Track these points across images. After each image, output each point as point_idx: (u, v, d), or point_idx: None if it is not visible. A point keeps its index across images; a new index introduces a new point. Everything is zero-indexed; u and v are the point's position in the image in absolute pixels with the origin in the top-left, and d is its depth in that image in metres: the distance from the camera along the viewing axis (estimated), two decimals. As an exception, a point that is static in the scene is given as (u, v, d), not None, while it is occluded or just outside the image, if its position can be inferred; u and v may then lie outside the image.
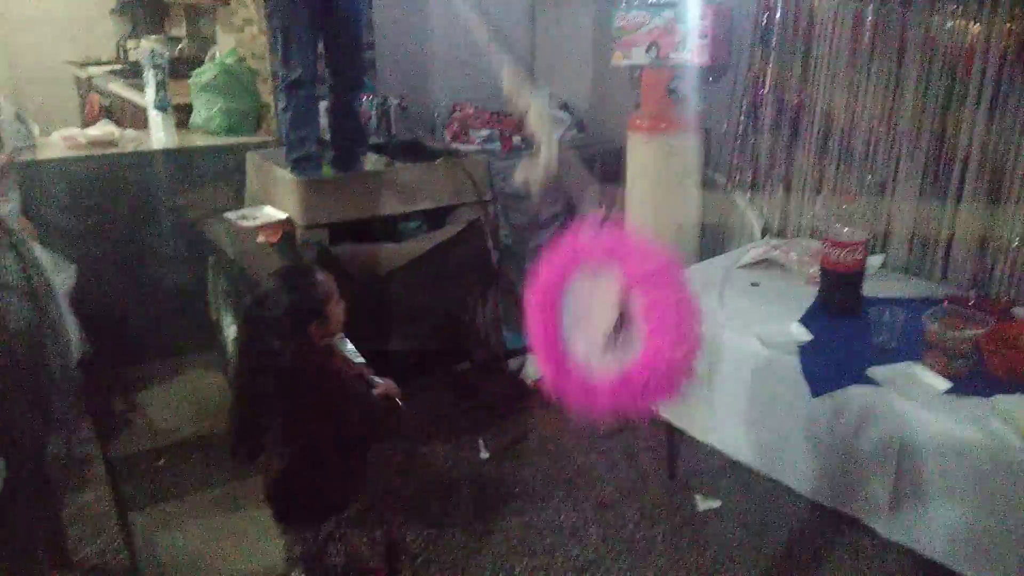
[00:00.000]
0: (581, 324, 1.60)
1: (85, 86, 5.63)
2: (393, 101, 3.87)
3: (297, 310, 1.81)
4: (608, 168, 3.77)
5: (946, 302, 2.28)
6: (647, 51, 3.17)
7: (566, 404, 1.63)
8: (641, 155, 3.27)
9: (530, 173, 2.04)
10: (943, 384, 1.94)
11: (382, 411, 1.94)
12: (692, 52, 3.05)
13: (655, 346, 1.49)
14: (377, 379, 2.00)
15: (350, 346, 2.17)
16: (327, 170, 3.26)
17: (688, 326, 1.50)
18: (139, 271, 3.47)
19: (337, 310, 1.89)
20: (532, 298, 1.66)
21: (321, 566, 1.90)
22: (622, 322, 1.54)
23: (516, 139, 3.69)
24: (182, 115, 3.91)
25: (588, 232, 1.61)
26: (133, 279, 3.46)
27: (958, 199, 2.55)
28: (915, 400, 1.90)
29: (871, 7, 2.65)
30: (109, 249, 3.40)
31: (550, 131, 1.91)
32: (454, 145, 3.74)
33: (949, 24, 2.47)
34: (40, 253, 2.66)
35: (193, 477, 2.87)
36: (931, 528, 1.87)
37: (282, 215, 3.04)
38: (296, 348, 1.79)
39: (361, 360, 2.12)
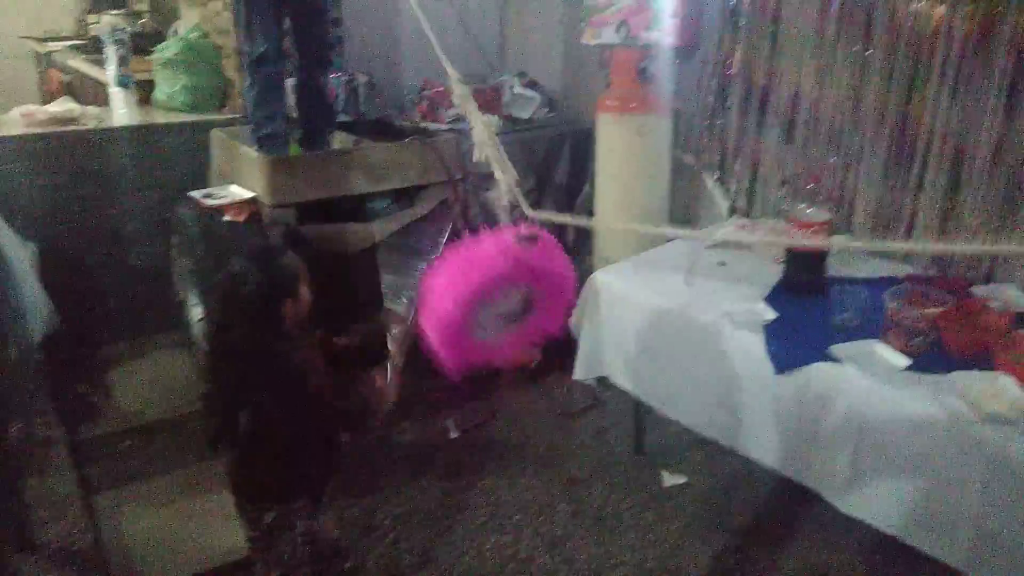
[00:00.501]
0: (493, 316, 1.81)
1: (44, 62, 5.49)
2: (362, 79, 3.83)
3: (269, 290, 1.78)
4: (578, 148, 3.78)
5: (906, 281, 2.33)
6: (617, 30, 3.17)
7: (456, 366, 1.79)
8: (611, 135, 3.27)
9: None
10: (903, 361, 1.99)
11: (353, 405, 1.95)
12: (662, 32, 3.06)
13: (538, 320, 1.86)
14: (384, 371, 2.00)
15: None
16: (294, 149, 3.22)
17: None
18: (103, 250, 3.40)
19: (307, 294, 1.86)
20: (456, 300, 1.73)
21: (284, 547, 1.89)
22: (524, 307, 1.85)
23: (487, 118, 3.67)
24: (145, 91, 3.83)
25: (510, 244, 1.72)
26: (97, 258, 3.40)
27: (921, 180, 2.60)
28: (875, 377, 1.95)
29: (838, -11, 2.67)
30: (72, 228, 3.33)
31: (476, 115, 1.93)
32: (424, 124, 3.71)
33: (914, 6, 2.49)
34: (3, 230, 2.62)
35: (158, 459, 2.84)
36: (887, 503, 1.92)
37: (248, 194, 3.00)
38: (268, 330, 1.77)
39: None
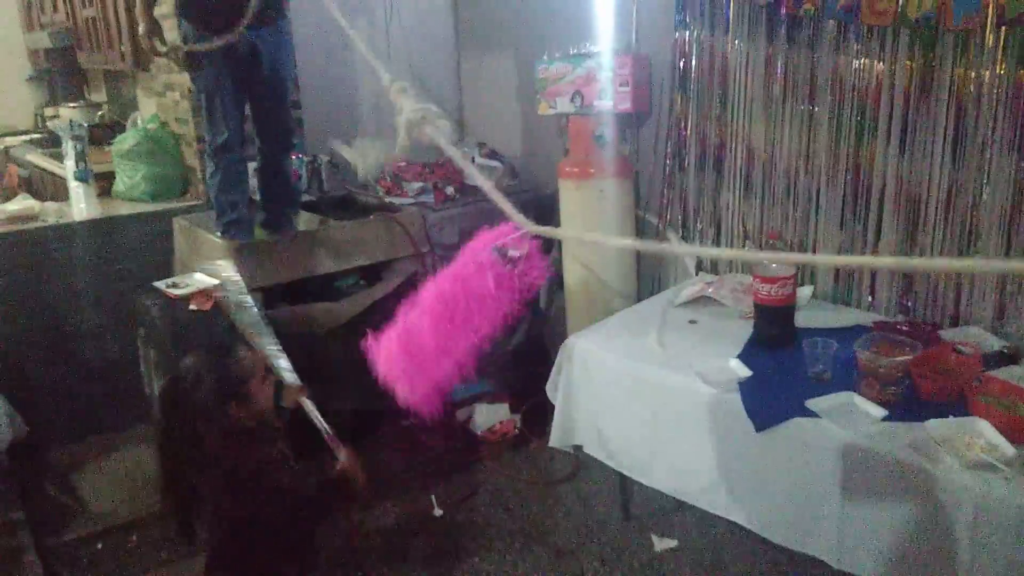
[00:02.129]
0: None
1: (2, 157, 5.46)
2: (323, 158, 3.86)
3: (214, 390, 1.75)
4: (542, 214, 3.81)
5: (875, 329, 2.36)
6: (571, 100, 3.25)
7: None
8: (573, 200, 3.32)
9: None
10: (879, 412, 2.00)
11: (320, 491, 1.88)
12: (615, 99, 3.13)
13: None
14: (340, 452, 1.95)
15: (311, 408, 2.11)
16: (259, 232, 3.21)
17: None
18: (68, 347, 3.35)
19: (263, 388, 1.83)
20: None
21: None
22: None
23: (449, 190, 3.71)
24: (106, 182, 3.82)
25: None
26: (62, 355, 3.34)
27: (878, 228, 2.66)
28: (854, 430, 1.95)
29: (780, 50, 2.77)
30: (34, 326, 3.28)
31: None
32: (388, 199, 3.74)
33: (855, 64, 2.59)
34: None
35: (133, 560, 2.74)
36: (878, 554, 1.91)
37: (213, 281, 2.98)
38: (214, 430, 1.74)
39: (323, 426, 2.06)
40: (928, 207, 2.52)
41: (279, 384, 2.05)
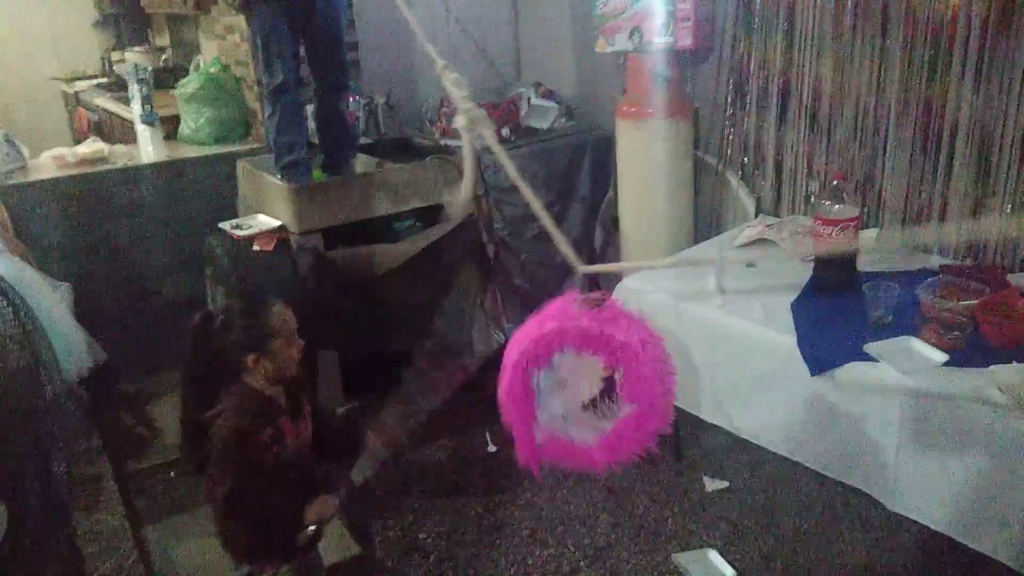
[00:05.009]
0: (561, 391, 1.57)
1: (73, 102, 5.62)
2: (380, 100, 3.86)
3: (241, 336, 1.76)
4: (598, 155, 3.78)
5: (941, 273, 2.30)
6: (630, 37, 3.17)
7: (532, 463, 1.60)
8: (631, 141, 3.27)
9: (456, 197, 2.01)
10: (940, 356, 1.96)
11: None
12: (675, 36, 3.04)
13: (636, 419, 1.53)
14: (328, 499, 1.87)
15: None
16: (317, 174, 3.26)
17: (666, 397, 1.53)
18: (138, 285, 3.48)
19: (288, 350, 1.81)
20: (510, 362, 1.56)
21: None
22: (604, 392, 1.55)
23: (505, 131, 3.68)
24: (172, 126, 3.91)
25: (572, 305, 1.55)
26: (133, 294, 3.47)
27: (949, 168, 2.56)
28: (913, 374, 1.92)
29: (851, -20, 2.65)
30: (107, 265, 3.41)
31: (472, 164, 1.84)
32: (444, 141, 3.73)
33: (930, -7, 2.46)
34: (33, 276, 2.69)
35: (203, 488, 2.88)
36: (934, 500, 1.89)
37: (276, 223, 3.05)
38: (225, 377, 1.77)
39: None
40: (1003, 147, 2.41)
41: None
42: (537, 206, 1.70)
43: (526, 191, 1.69)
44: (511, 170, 1.73)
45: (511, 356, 1.53)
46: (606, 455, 1.57)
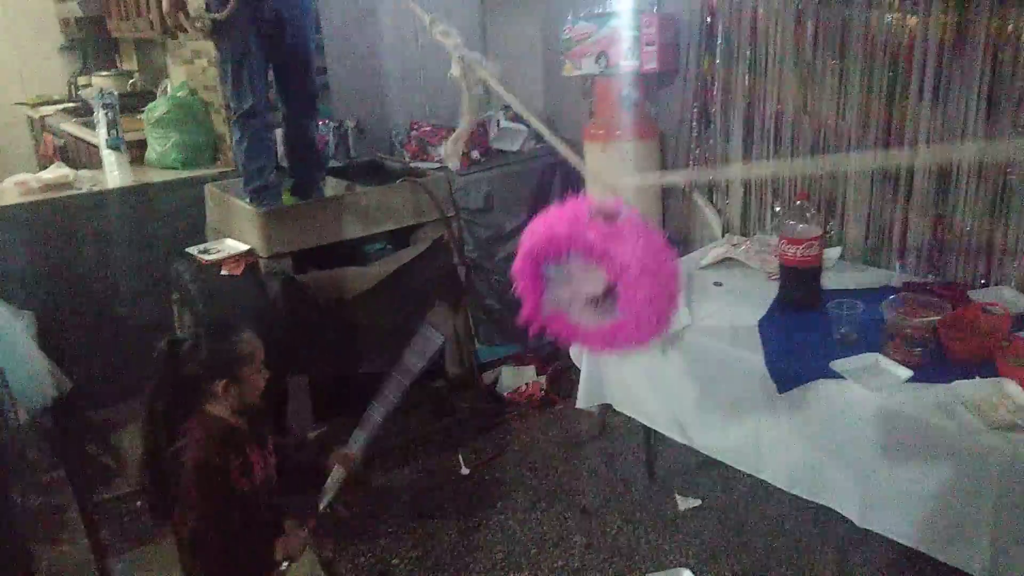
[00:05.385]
0: (568, 284, 1.66)
1: (38, 127, 5.55)
2: (349, 123, 3.87)
3: (208, 363, 1.74)
4: (567, 177, 3.80)
5: (903, 290, 2.34)
6: (596, 61, 3.21)
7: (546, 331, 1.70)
8: (598, 163, 3.30)
9: (448, 148, 2.00)
10: (905, 373, 1.98)
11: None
12: (641, 59, 3.09)
13: (628, 328, 1.59)
14: (301, 530, 1.87)
15: (336, 477, 1.97)
16: (287, 198, 3.25)
17: (660, 321, 1.59)
18: (105, 312, 3.42)
19: (256, 378, 1.79)
20: (525, 248, 1.65)
21: None
22: (608, 290, 1.60)
23: (475, 154, 3.70)
24: (138, 150, 3.87)
25: (585, 212, 1.59)
26: (99, 321, 3.42)
27: (909, 187, 2.61)
28: (879, 391, 1.94)
29: (811, 6, 2.70)
30: (72, 292, 3.36)
31: (470, 112, 1.83)
32: (414, 163, 3.75)
33: (888, 18, 2.52)
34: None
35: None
36: (902, 514, 1.91)
37: (244, 247, 3.03)
38: (191, 406, 1.73)
39: (324, 501, 1.96)
40: (961, 167, 2.46)
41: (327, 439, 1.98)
42: (537, 123, 1.72)
43: (532, 120, 1.72)
44: (516, 105, 1.72)
45: (525, 243, 1.63)
46: (601, 344, 1.67)
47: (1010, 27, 2.26)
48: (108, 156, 3.53)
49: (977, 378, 1.91)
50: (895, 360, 2.03)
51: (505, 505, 2.82)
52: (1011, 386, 1.85)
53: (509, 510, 2.80)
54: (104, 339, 3.40)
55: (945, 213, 2.52)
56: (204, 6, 2.91)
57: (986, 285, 2.46)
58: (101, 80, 5.23)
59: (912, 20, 2.46)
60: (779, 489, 2.25)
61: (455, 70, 1.75)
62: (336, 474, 1.97)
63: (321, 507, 1.95)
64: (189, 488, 1.71)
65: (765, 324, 2.35)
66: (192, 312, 3.09)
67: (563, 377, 3.52)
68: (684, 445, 2.48)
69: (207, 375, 1.74)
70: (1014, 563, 1.73)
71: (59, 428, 3.01)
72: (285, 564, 1.79)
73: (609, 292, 1.59)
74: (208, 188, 3.43)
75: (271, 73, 3.07)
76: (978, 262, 2.49)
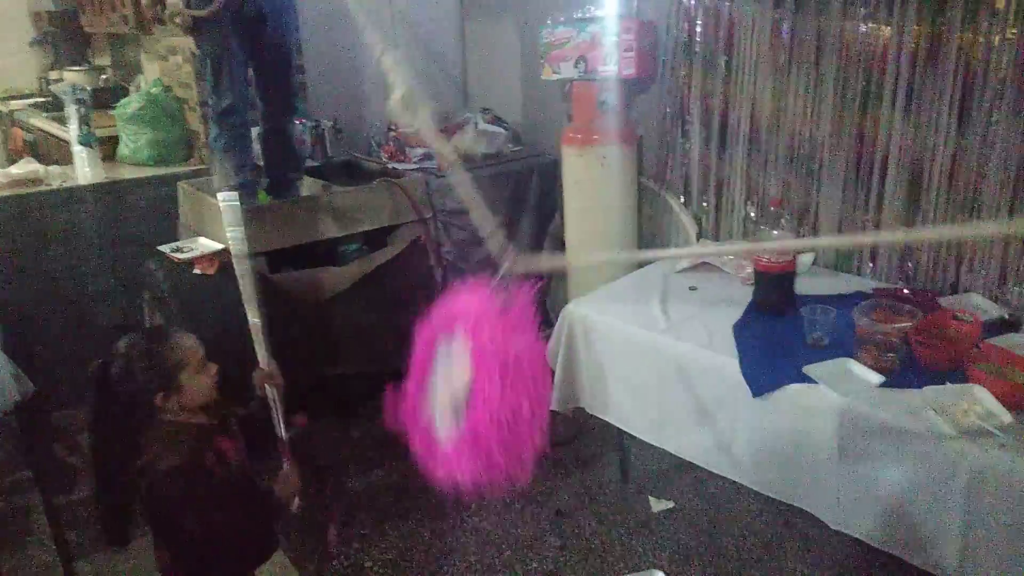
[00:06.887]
0: (438, 387, 1.52)
1: (8, 120, 5.45)
2: (327, 123, 3.85)
3: (142, 379, 1.67)
4: (545, 181, 3.81)
5: (875, 296, 2.37)
6: (575, 65, 3.22)
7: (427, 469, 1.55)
8: (576, 167, 3.31)
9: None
10: (876, 378, 2.01)
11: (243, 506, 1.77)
12: (619, 64, 3.10)
13: (501, 410, 1.41)
14: (285, 463, 1.90)
15: (275, 401, 1.96)
16: (263, 197, 3.22)
17: (537, 387, 1.43)
18: (74, 311, 3.37)
19: (199, 379, 1.73)
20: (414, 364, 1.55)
21: None
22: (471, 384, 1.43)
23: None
24: (110, 147, 3.82)
25: (463, 295, 1.52)
26: (69, 320, 3.36)
27: (881, 195, 2.65)
28: (851, 396, 1.97)
29: (787, 15, 2.74)
30: (40, 290, 3.30)
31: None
32: (391, 165, 3.73)
33: (862, 28, 2.56)
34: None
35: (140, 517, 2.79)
36: (873, 517, 1.94)
37: (218, 246, 2.99)
38: (140, 423, 1.68)
39: (280, 427, 1.97)
40: (932, 174, 2.51)
41: (247, 365, 1.94)
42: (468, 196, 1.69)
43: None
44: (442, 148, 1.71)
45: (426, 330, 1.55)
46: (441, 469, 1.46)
47: (981, 38, 2.31)
48: (79, 152, 3.47)
49: (947, 383, 1.94)
50: (867, 365, 2.06)
51: (479, 507, 2.81)
52: (980, 391, 1.88)
53: (484, 512, 2.79)
54: (74, 339, 3.34)
55: (915, 221, 2.56)
56: (183, 1, 2.87)
57: (956, 292, 2.50)
58: (73, 75, 5.15)
59: (886, 30, 2.50)
60: (752, 491, 2.27)
61: (394, 103, 1.77)
62: (271, 394, 1.96)
63: (282, 435, 1.97)
64: (171, 496, 1.66)
65: (740, 328, 2.37)
66: (164, 312, 3.05)
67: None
68: (658, 448, 2.49)
69: (143, 392, 1.67)
70: (982, 566, 1.76)
71: (25, 430, 2.95)
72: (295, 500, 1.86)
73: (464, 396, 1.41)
74: (181, 186, 3.39)
75: (251, 71, 3.05)
76: (947, 269, 2.54)
